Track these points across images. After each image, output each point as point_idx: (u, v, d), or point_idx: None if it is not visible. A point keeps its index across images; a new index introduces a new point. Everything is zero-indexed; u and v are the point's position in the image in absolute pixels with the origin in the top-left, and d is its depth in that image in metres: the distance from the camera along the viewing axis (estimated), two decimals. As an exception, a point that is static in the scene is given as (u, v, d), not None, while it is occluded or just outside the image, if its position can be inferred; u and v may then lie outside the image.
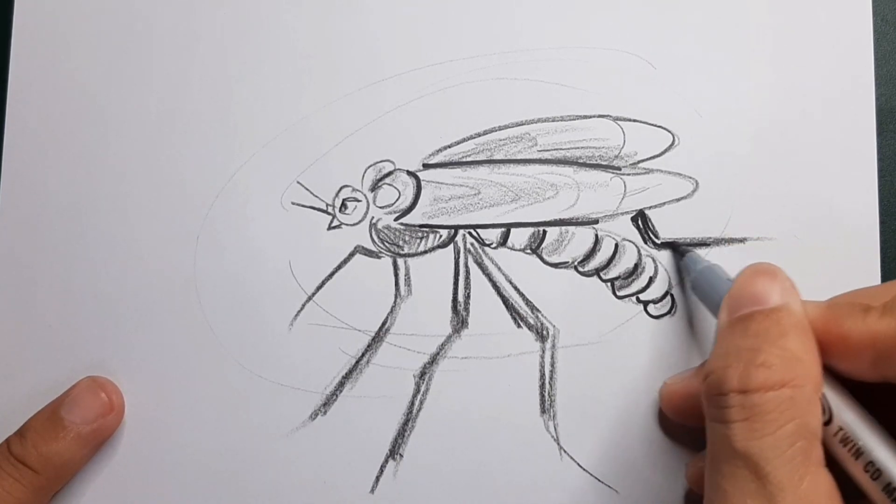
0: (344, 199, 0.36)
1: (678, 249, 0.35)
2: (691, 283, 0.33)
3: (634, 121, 0.36)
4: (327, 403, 0.35)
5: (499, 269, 0.36)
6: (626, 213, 0.36)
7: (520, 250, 0.36)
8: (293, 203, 0.36)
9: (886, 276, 0.35)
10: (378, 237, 0.36)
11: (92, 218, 0.36)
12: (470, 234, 0.36)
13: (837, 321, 0.27)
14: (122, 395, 0.35)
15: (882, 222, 0.35)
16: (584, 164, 0.36)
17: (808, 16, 0.36)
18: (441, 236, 0.36)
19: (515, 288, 0.35)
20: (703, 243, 0.35)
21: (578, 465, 0.34)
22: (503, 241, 0.36)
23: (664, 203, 0.35)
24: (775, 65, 0.36)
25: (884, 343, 0.26)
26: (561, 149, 0.36)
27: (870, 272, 0.35)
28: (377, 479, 0.35)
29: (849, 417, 0.27)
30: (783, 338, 0.26)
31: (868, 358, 0.26)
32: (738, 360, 0.26)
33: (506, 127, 0.36)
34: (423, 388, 0.35)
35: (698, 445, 0.34)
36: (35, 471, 0.33)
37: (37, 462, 0.33)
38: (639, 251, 0.35)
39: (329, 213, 0.36)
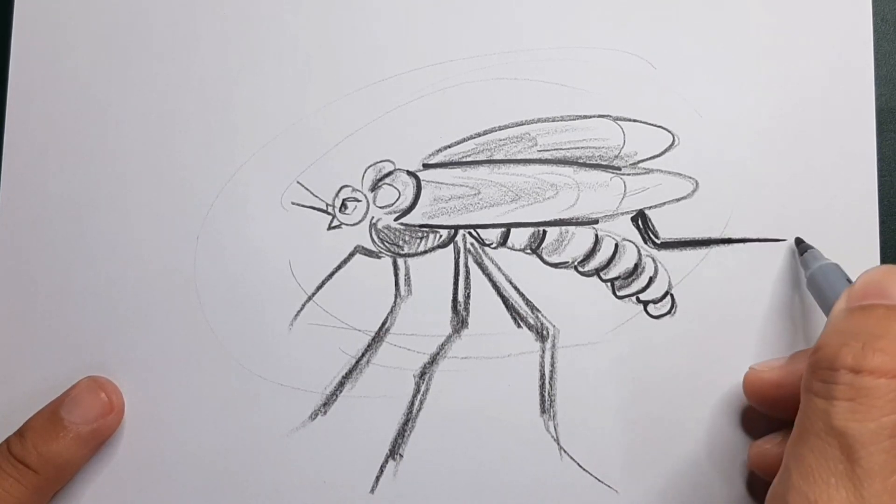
0: (344, 199, 0.36)
1: (799, 245, 0.34)
2: (808, 279, 0.33)
3: (634, 121, 0.36)
4: (327, 403, 0.35)
5: (499, 269, 0.36)
6: (626, 213, 0.36)
7: (520, 250, 0.36)
8: (293, 203, 0.36)
9: (886, 276, 0.35)
10: (378, 237, 0.36)
11: (92, 218, 0.36)
12: (470, 234, 0.36)
13: None
14: (122, 395, 0.35)
15: (882, 222, 0.35)
16: (584, 164, 0.36)
17: (808, 16, 0.36)
18: (441, 236, 0.36)
19: (515, 288, 0.35)
20: (704, 243, 0.35)
21: (578, 464, 0.34)
22: (503, 241, 0.36)
23: (664, 203, 0.35)
24: (775, 65, 0.36)
25: None
26: (561, 149, 0.36)
27: (870, 272, 0.35)
28: (377, 479, 0.35)
29: None
30: None
31: None
32: (855, 340, 0.26)
33: (506, 127, 0.36)
34: (423, 388, 0.35)
35: (697, 446, 0.34)
36: (35, 471, 0.33)
37: (37, 462, 0.33)
38: (639, 251, 0.35)
39: (329, 213, 0.36)
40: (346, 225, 0.36)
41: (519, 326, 0.35)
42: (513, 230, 0.36)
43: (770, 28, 0.36)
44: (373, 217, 0.36)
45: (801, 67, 0.36)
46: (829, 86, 0.35)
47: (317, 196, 0.36)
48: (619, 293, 0.35)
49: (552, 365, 0.35)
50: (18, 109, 0.37)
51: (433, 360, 0.35)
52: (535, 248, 0.36)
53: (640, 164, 0.36)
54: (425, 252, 0.36)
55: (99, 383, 0.35)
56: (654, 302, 0.35)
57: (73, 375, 0.35)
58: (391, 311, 0.35)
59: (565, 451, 0.35)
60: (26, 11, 0.37)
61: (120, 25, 0.37)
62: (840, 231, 0.35)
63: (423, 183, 0.36)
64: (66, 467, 0.33)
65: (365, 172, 0.36)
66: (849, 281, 0.31)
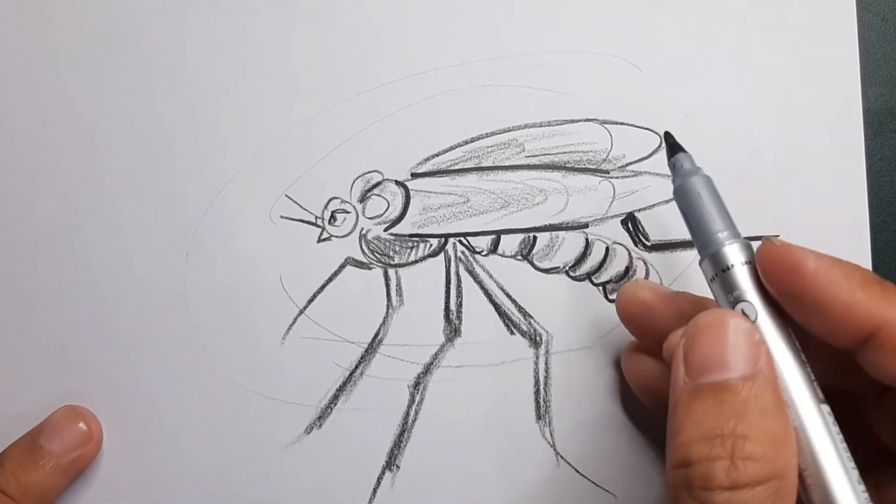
0: (333, 211, 0.36)
1: (669, 142, 0.31)
2: (675, 189, 0.30)
3: (621, 124, 0.36)
4: (322, 417, 0.35)
5: (490, 276, 0.35)
6: (616, 216, 0.36)
7: (510, 257, 0.36)
8: (282, 217, 0.36)
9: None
10: (368, 248, 0.36)
11: (80, 235, 0.36)
12: (460, 242, 0.36)
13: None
14: (100, 424, 0.35)
15: (872, 223, 0.35)
16: (573, 169, 0.36)
17: (793, 17, 0.36)
18: (431, 245, 0.36)
19: (507, 295, 0.35)
20: (693, 245, 0.35)
21: (576, 470, 0.34)
22: (494, 249, 0.36)
23: (654, 205, 0.35)
24: (762, 65, 0.36)
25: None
26: (549, 154, 0.36)
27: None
28: (374, 491, 0.35)
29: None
30: (764, 418, 0.25)
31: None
32: (722, 449, 0.24)
33: (493, 134, 0.36)
34: (417, 399, 0.35)
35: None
36: (14, 499, 0.32)
37: (15, 491, 0.32)
38: (629, 254, 0.35)
39: (318, 226, 0.36)
40: (336, 237, 0.36)
41: (512, 333, 0.35)
42: (503, 237, 0.36)
43: (756, 29, 0.36)
44: (362, 228, 0.36)
45: (787, 67, 0.36)
46: (817, 86, 0.35)
47: (305, 209, 0.36)
48: (612, 297, 0.35)
49: (546, 371, 0.35)
50: (4, 125, 0.37)
51: (427, 369, 0.35)
52: (525, 254, 0.36)
53: (629, 167, 0.36)
54: (416, 262, 0.36)
55: (78, 412, 0.34)
56: (647, 305, 0.35)
57: (64, 397, 0.35)
58: (384, 322, 0.35)
59: (562, 457, 0.34)
60: (7, 23, 0.37)
61: (107, 40, 0.37)
62: (830, 232, 0.35)
63: (411, 192, 0.36)
64: (45, 496, 0.33)
65: (353, 184, 0.36)
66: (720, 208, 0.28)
